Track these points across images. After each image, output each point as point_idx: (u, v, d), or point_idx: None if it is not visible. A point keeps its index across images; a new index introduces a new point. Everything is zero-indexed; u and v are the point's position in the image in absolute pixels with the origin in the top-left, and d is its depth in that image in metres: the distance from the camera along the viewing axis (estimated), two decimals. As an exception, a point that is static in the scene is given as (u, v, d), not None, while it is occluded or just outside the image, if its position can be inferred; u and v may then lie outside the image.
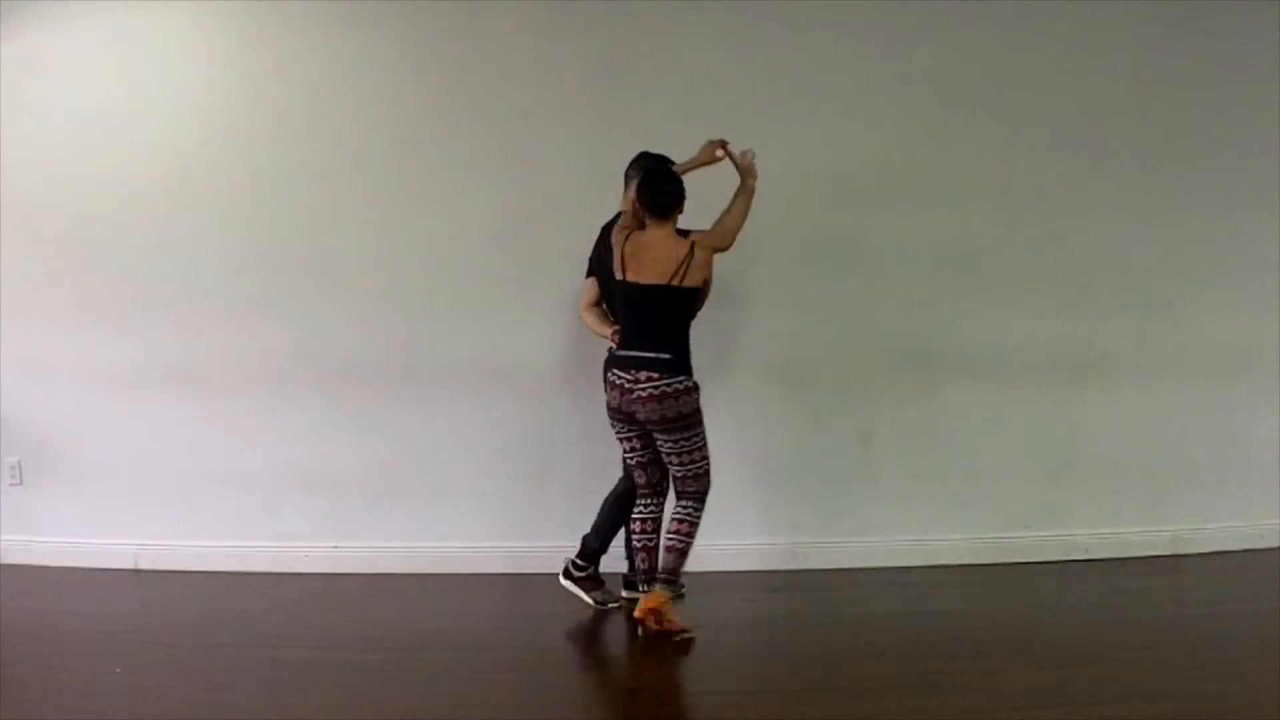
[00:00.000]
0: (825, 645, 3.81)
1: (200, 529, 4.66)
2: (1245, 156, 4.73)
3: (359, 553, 4.62)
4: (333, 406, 4.64)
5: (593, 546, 4.13)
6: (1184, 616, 3.93)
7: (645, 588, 3.84)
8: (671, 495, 3.90)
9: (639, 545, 3.93)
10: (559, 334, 4.60)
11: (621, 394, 3.73)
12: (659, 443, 3.78)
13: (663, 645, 3.64)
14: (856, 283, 4.61)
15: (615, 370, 3.78)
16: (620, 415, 3.80)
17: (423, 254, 4.62)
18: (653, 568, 3.84)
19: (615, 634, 3.88)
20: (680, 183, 3.78)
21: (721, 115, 4.50)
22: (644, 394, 3.68)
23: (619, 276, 3.78)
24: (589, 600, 4.10)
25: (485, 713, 3.12)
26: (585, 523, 4.29)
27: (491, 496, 4.63)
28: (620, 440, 3.90)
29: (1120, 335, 4.73)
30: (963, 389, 4.67)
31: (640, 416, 3.72)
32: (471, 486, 4.63)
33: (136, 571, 4.65)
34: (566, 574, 4.14)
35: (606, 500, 4.16)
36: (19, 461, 4.75)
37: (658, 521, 3.90)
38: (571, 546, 4.35)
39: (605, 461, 4.56)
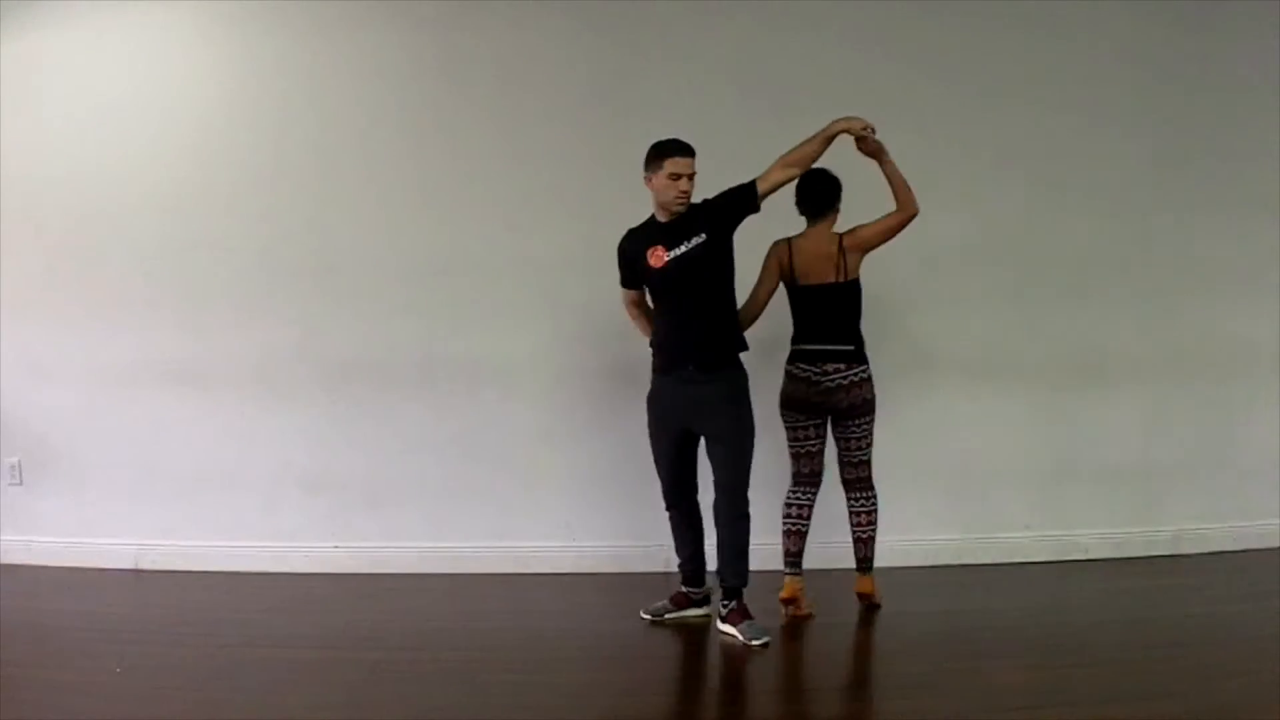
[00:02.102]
0: (826, 645, 3.81)
1: (200, 529, 4.66)
2: (1246, 156, 4.74)
3: (359, 553, 4.62)
4: (333, 406, 4.64)
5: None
6: (1184, 616, 3.93)
7: (794, 571, 3.99)
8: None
9: (793, 529, 4.00)
10: (559, 334, 4.60)
11: (808, 386, 3.92)
12: (842, 430, 3.98)
13: (662, 646, 3.63)
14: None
15: (800, 364, 3.94)
16: (802, 406, 3.95)
17: (423, 254, 4.62)
18: (800, 552, 4.01)
19: (615, 634, 3.87)
20: (832, 181, 3.96)
21: (723, 115, 4.51)
22: (832, 384, 3.90)
23: (789, 282, 3.97)
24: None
25: (485, 713, 3.11)
26: (585, 522, 4.28)
27: (491, 496, 4.63)
28: (794, 430, 4.00)
29: (1120, 335, 4.73)
30: (963, 389, 4.67)
31: (829, 406, 3.94)
32: (471, 486, 4.63)
33: (136, 571, 4.65)
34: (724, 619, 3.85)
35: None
36: (19, 461, 4.75)
37: (812, 508, 4.04)
38: (570, 546, 4.35)
39: (605, 462, 4.57)
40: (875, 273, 4.64)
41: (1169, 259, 4.75)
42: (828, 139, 3.74)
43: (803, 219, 4.02)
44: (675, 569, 4.05)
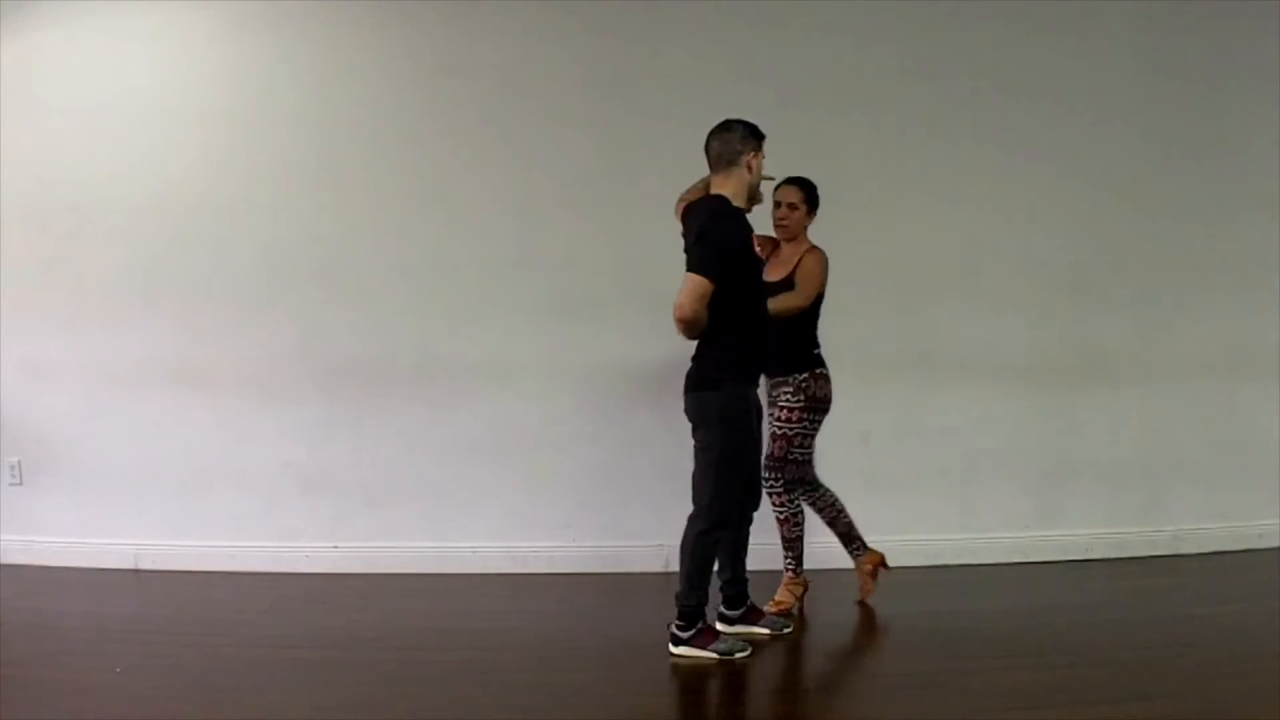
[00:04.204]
0: (825, 645, 3.82)
1: (200, 529, 4.66)
2: (1245, 156, 4.74)
3: (359, 553, 4.62)
4: (333, 406, 4.64)
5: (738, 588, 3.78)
6: (1184, 616, 3.93)
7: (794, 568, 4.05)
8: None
9: (799, 535, 4.01)
10: (559, 334, 4.60)
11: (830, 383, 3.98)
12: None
13: (662, 645, 3.63)
14: (856, 283, 4.59)
15: (826, 367, 3.95)
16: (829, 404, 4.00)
17: (422, 254, 4.62)
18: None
19: (614, 634, 3.87)
20: None
21: (723, 115, 4.51)
22: None
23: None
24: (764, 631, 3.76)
25: (485, 713, 3.11)
26: (585, 522, 4.27)
27: (491, 496, 4.63)
28: (818, 429, 3.98)
29: (1120, 335, 4.73)
30: (963, 389, 4.67)
31: None
32: (471, 486, 4.63)
33: (136, 571, 4.65)
34: (726, 619, 3.77)
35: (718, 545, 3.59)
36: (19, 461, 4.75)
37: None
38: (570, 546, 4.34)
39: (605, 462, 4.57)
40: (876, 272, 4.66)
41: (1170, 259, 4.75)
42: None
43: (775, 226, 4.03)
44: (670, 568, 4.00)
